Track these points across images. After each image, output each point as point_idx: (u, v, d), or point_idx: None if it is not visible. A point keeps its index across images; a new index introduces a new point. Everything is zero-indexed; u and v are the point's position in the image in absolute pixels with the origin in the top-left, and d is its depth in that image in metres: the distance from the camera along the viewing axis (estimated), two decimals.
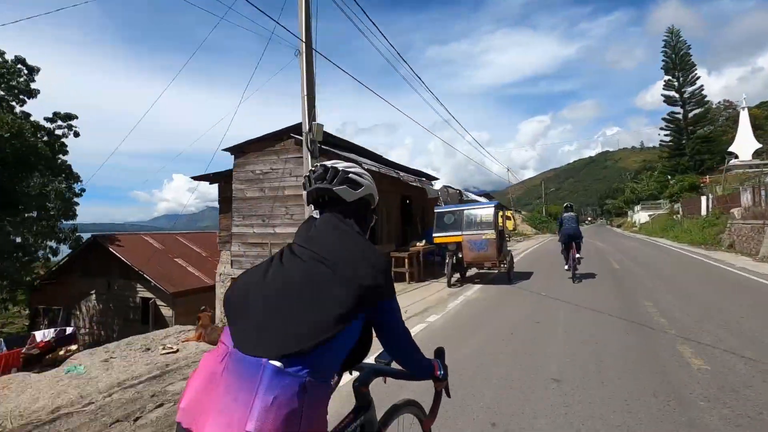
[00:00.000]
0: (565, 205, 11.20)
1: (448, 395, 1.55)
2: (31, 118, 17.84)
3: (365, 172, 1.43)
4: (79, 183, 29.23)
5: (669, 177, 46.57)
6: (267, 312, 1.12)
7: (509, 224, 38.84)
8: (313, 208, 1.41)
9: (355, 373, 1.50)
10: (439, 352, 1.57)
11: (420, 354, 1.39)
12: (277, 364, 1.01)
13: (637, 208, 52.64)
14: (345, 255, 1.20)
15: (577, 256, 9.81)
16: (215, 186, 12.71)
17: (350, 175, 1.37)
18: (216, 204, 12.85)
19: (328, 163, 1.39)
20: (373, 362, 1.53)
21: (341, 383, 1.59)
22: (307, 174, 1.39)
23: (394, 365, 1.46)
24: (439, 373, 1.47)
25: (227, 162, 11.59)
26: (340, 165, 1.38)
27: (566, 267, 10.25)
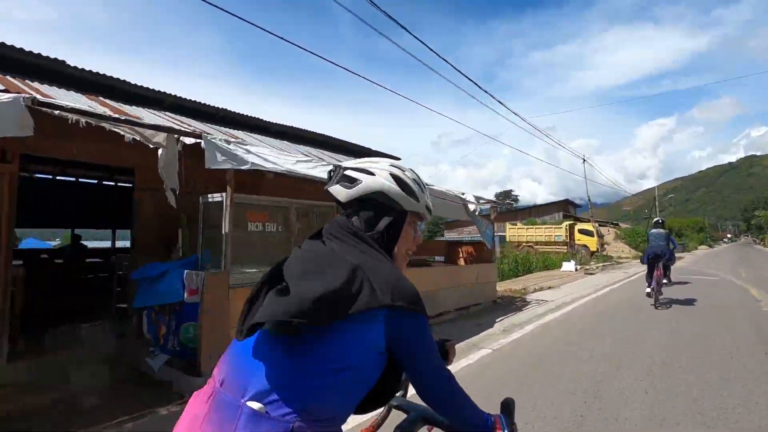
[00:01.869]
0: (654, 219, 9.54)
1: None
2: None
3: (383, 166, 1.12)
4: None
5: None
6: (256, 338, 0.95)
7: (591, 243, 26.05)
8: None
9: (401, 416, 1.20)
10: (507, 406, 1.12)
11: (468, 403, 1.02)
12: (256, 406, 0.84)
13: None
14: (338, 259, 0.98)
15: (664, 281, 8.69)
16: None
17: (348, 171, 1.11)
18: None
19: (345, 164, 1.15)
20: (422, 404, 1.13)
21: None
22: None
23: None
24: None
25: None
26: (350, 163, 1.15)
27: (647, 290, 8.67)
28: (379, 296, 0.90)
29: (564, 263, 18.55)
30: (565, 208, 39.14)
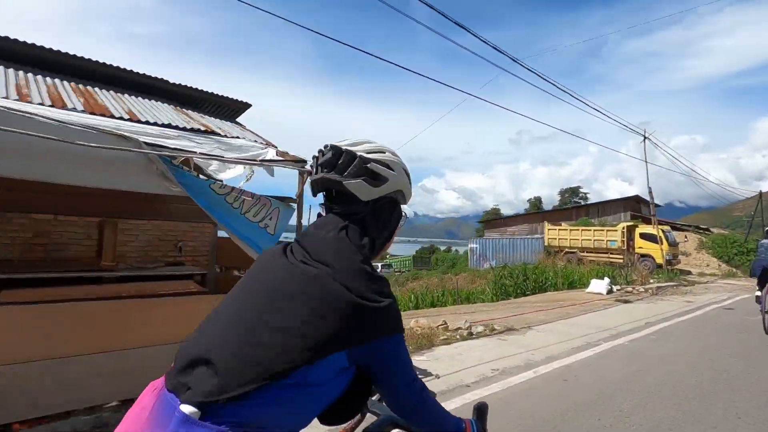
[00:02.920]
0: (766, 228, 8.05)
1: None
2: None
3: (395, 158, 1.04)
4: None
5: None
6: (212, 333, 0.86)
7: (655, 252, 19.46)
8: (322, 205, 1.05)
9: (369, 419, 1.10)
10: (481, 410, 1.07)
11: (439, 411, 0.97)
12: (188, 410, 0.75)
13: None
14: (323, 272, 0.86)
15: None
16: None
17: (371, 164, 0.98)
18: None
19: (343, 143, 1.01)
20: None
21: None
22: (315, 155, 1.03)
23: None
24: None
25: None
26: (359, 147, 1.00)
27: (761, 310, 6.92)
28: (343, 336, 0.81)
29: (593, 282, 12.72)
30: (635, 207, 31.11)
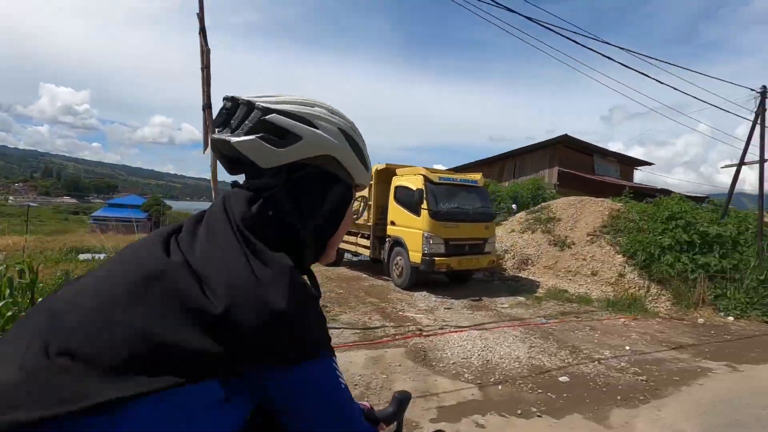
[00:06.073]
0: None
1: None
2: None
3: (327, 113, 0.71)
4: None
5: None
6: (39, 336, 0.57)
7: (410, 231, 8.11)
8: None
9: None
10: (401, 401, 0.89)
11: None
12: None
13: None
14: (208, 274, 0.59)
15: None
16: None
17: (273, 115, 0.67)
18: None
19: (248, 96, 0.69)
20: None
21: None
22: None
23: None
24: None
25: None
26: (267, 98, 0.68)
27: None
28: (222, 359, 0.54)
29: None
30: (575, 162, 17.92)
